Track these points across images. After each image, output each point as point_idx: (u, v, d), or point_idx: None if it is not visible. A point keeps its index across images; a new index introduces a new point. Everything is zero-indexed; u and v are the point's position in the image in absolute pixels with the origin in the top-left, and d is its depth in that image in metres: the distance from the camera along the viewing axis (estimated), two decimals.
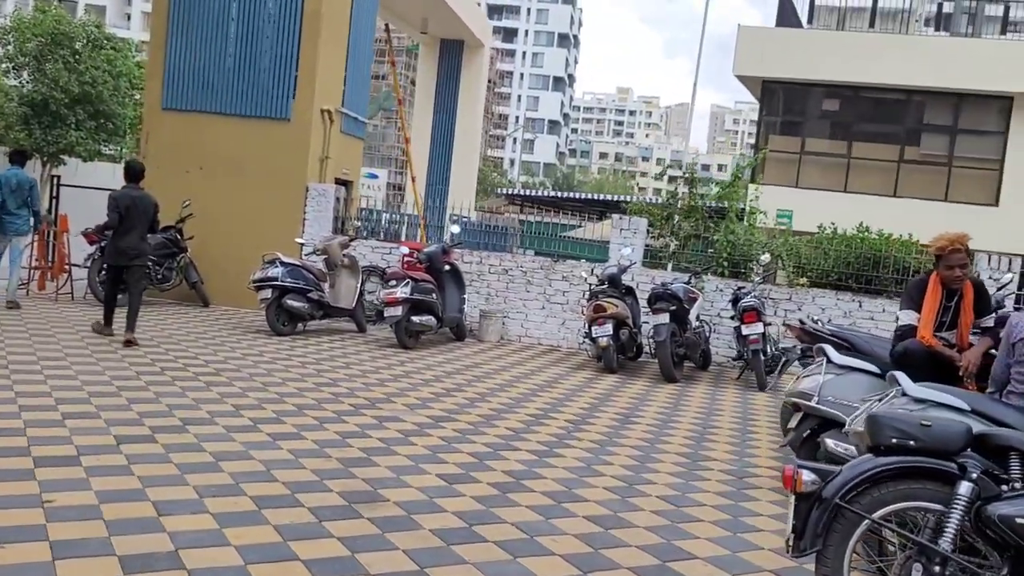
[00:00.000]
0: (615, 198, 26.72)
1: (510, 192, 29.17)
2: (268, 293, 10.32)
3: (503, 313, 12.19)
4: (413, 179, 21.58)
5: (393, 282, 10.34)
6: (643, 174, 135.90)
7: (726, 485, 5.57)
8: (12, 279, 10.87)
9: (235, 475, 4.75)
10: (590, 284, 11.90)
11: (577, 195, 29.74)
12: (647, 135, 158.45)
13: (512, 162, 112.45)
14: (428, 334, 11.08)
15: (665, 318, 9.59)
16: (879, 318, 11.07)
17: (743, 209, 13.71)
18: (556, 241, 20.53)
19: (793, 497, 3.20)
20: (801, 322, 6.56)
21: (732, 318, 10.90)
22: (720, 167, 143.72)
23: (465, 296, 11.63)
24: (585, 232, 21.36)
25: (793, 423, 5.31)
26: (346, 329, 11.67)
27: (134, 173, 9.22)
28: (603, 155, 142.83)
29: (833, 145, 19.69)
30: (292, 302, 10.40)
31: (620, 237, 11.95)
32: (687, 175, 12.75)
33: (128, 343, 8.52)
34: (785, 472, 3.26)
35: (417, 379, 8.38)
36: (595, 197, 28.22)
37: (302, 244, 11.84)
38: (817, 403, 5.09)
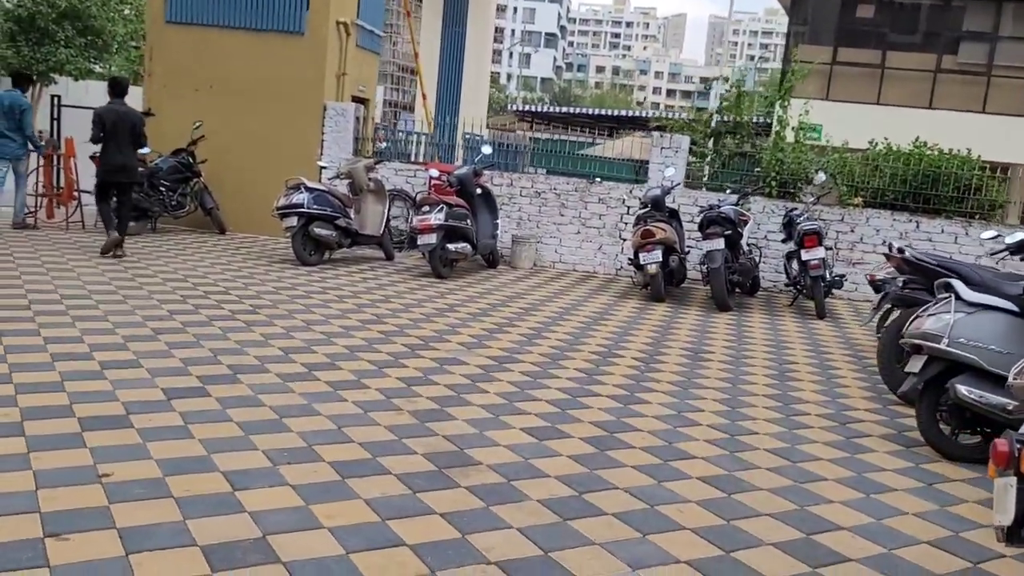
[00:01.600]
0: (628, 113, 25.79)
1: (519, 108, 28.15)
2: (294, 221, 9.69)
3: (536, 238, 11.60)
4: (424, 96, 20.63)
5: (426, 208, 9.71)
6: (641, 88, 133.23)
7: (831, 433, 5.10)
8: (18, 201, 10.50)
9: (305, 435, 4.25)
10: (628, 207, 11.32)
11: (588, 111, 28.72)
12: (644, 47, 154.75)
13: (509, 77, 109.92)
14: (461, 262, 10.52)
15: (720, 243, 9.02)
16: (937, 239, 10.52)
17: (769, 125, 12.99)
18: (572, 159, 19.75)
19: (1015, 479, 2.69)
20: (900, 250, 5.99)
21: (783, 241, 10.35)
22: (722, 80, 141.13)
23: (498, 221, 11.02)
24: (604, 149, 20.54)
25: (915, 367, 4.78)
26: (373, 257, 11.09)
27: (120, 88, 9.32)
28: (600, 69, 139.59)
29: (866, 55, 18.77)
30: (319, 230, 9.79)
31: (660, 156, 11.27)
32: (734, 87, 11.97)
33: (116, 251, 8.94)
34: (998, 448, 2.75)
35: (463, 312, 7.84)
36: (607, 112, 27.26)
37: (324, 167, 11.14)
38: (948, 346, 4.56)
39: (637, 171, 20.69)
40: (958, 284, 4.74)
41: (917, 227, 10.58)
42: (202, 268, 8.97)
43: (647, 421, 5.00)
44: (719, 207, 9.68)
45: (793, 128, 11.35)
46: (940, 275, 5.61)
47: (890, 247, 6.09)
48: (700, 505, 3.81)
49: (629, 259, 9.92)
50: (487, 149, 10.98)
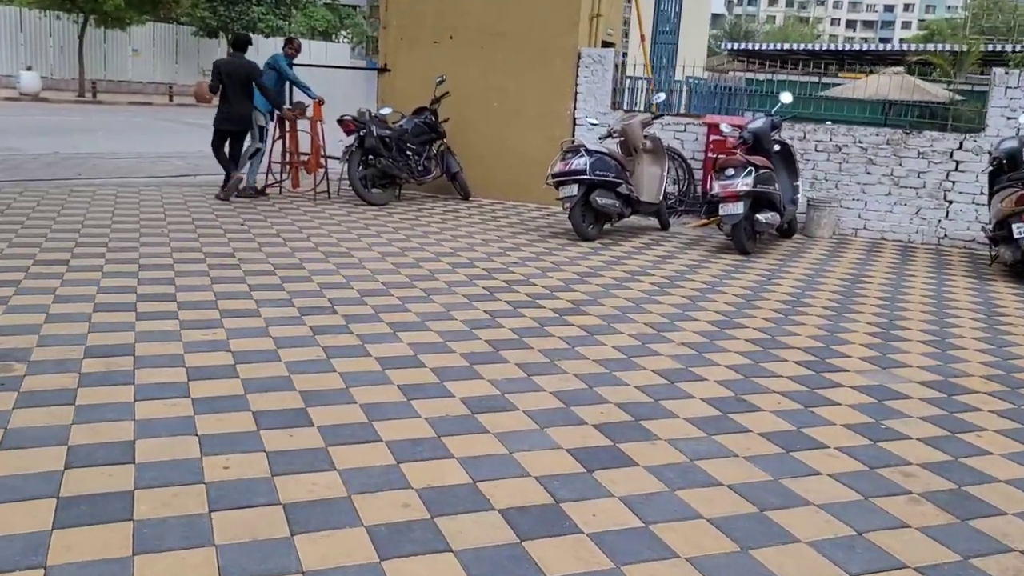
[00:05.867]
0: (862, 47, 22.93)
1: (733, 47, 25.77)
2: (574, 189, 8.34)
3: (836, 201, 9.77)
4: (642, 38, 18.83)
5: (730, 171, 8.12)
6: (818, 19, 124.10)
7: None
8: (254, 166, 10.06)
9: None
10: (957, 162, 9.31)
11: (808, 46, 25.97)
12: None
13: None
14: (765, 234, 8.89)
15: None
16: None
17: None
18: (808, 102, 17.40)
19: None
20: None
21: None
22: (907, 6, 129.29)
23: (798, 183, 9.27)
24: (850, 90, 18.07)
25: None
26: (648, 227, 9.64)
27: (240, 43, 9.80)
28: (772, 1, 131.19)
29: None
30: (601, 199, 8.41)
31: (1005, 98, 9.12)
32: None
33: (226, 198, 9.42)
34: None
35: (819, 307, 6.26)
36: (834, 48, 24.48)
37: (595, 124, 9.69)
38: None
39: (886, 113, 18.24)
40: None
41: None
42: (479, 247, 7.81)
43: None
44: None
45: None
46: None
47: None
48: None
49: (988, 230, 7.99)
50: (786, 97, 9.19)
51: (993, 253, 8.03)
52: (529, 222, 9.55)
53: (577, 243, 8.36)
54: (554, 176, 8.42)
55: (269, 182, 10.18)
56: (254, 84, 9.39)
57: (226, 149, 9.60)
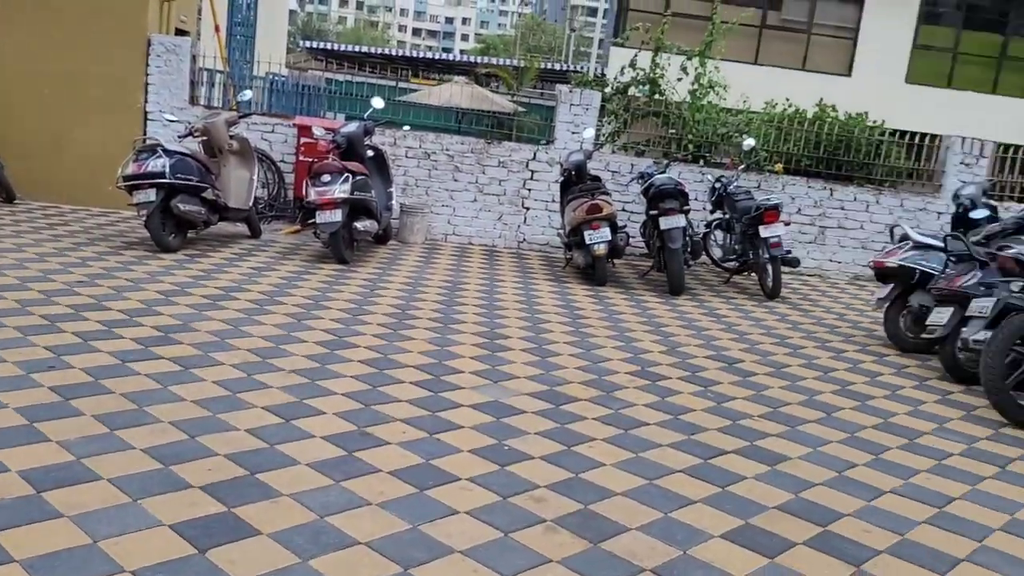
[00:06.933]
0: (437, 56, 24.08)
1: (311, 45, 25.37)
2: (151, 195, 7.34)
3: (428, 207, 9.94)
4: (216, 28, 17.67)
5: (327, 177, 7.76)
6: (388, 25, 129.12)
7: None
8: None
9: None
10: (532, 172, 10.04)
11: (383, 51, 26.60)
12: None
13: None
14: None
15: (681, 220, 7.99)
16: (850, 208, 10.23)
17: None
18: (399, 107, 17.68)
19: None
20: (1004, 247, 5.22)
21: (712, 212, 9.58)
22: (464, 20, 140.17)
23: (392, 190, 9.23)
24: (428, 96, 18.77)
25: None
26: (237, 235, 8.91)
27: None
28: (343, 2, 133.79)
29: (695, 6, 18.46)
30: (184, 206, 7.53)
31: (570, 114, 9.98)
32: (653, 39, 10.79)
33: None
34: None
35: (425, 319, 6.21)
36: (413, 55, 25.37)
37: (173, 120, 8.64)
38: None
39: (459, 121, 19.30)
40: None
41: (831, 195, 10.22)
42: (31, 263, 6.51)
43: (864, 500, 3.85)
44: (651, 174, 8.75)
45: (703, 86, 10.45)
46: None
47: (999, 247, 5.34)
48: None
49: (564, 236, 8.64)
50: (378, 102, 9.06)
51: (567, 256, 8.73)
52: (95, 230, 8.29)
53: (157, 255, 7.40)
54: (126, 179, 7.36)
55: None
56: None
57: None
